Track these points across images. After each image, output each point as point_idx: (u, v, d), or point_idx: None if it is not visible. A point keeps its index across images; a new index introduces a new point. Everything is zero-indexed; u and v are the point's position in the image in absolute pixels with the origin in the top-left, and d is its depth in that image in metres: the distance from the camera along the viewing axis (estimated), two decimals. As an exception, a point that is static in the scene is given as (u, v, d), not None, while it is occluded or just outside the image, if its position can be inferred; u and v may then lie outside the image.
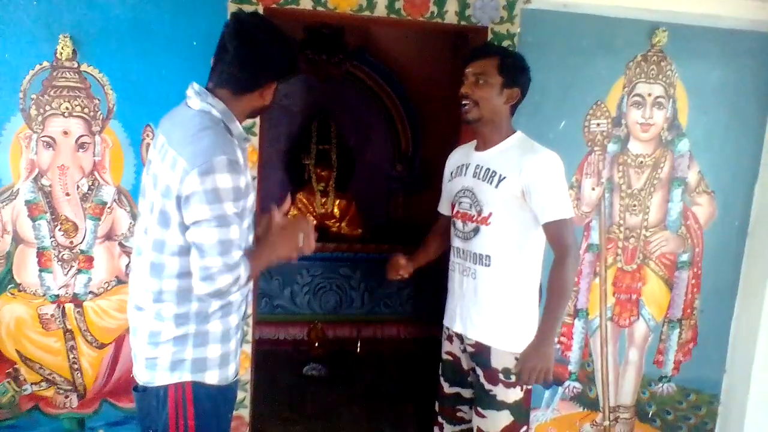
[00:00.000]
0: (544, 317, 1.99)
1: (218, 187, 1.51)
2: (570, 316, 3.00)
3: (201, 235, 1.53)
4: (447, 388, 2.26)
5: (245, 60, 1.63)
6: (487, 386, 2.07)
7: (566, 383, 3.06)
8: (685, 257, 3.07)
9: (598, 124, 2.88)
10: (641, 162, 2.95)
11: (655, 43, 2.84)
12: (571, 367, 3.05)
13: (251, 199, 1.68)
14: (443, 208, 2.30)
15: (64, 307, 2.63)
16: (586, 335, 3.04)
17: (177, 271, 1.61)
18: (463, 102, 2.04)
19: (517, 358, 2.03)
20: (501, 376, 2.05)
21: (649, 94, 2.90)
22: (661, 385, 3.15)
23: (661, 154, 2.96)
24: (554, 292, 1.97)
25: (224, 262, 1.53)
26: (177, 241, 1.59)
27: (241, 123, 1.71)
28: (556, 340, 2.79)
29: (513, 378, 2.04)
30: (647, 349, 3.11)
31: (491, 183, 2.03)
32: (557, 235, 1.97)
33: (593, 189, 2.92)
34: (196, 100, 1.64)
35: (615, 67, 2.85)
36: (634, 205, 2.98)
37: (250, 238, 1.75)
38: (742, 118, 3.00)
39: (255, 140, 2.63)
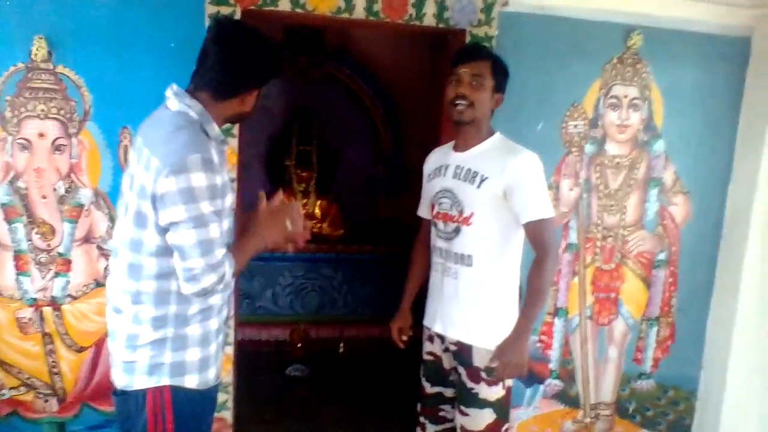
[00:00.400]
0: (521, 313, 2.03)
1: (193, 186, 1.50)
2: (550, 315, 3.02)
3: (180, 237, 1.52)
4: (429, 388, 2.27)
5: (227, 66, 1.63)
6: (470, 384, 2.08)
7: (547, 381, 3.08)
8: (662, 256, 3.11)
9: (576, 126, 2.91)
10: (618, 163, 2.99)
11: (630, 45, 2.88)
12: (552, 365, 3.08)
13: (229, 200, 1.67)
14: (423, 212, 2.31)
15: (42, 311, 2.61)
16: (566, 334, 3.07)
17: (155, 272, 1.60)
18: (458, 102, 2.02)
19: (499, 357, 2.06)
20: (483, 375, 2.06)
21: (625, 96, 2.94)
22: (640, 381, 3.19)
23: (637, 155, 3.00)
24: (533, 290, 2.00)
25: (207, 262, 1.53)
26: (154, 241, 1.58)
27: (219, 126, 1.69)
28: (533, 336, 2.84)
29: (494, 376, 2.06)
30: (626, 347, 3.16)
31: (473, 183, 2.04)
32: (537, 234, 1.99)
33: (571, 189, 2.95)
34: (174, 101, 1.64)
35: (591, 69, 2.89)
36: (612, 205, 3.02)
37: (232, 240, 1.74)
38: (716, 120, 3.06)
39: (234, 142, 2.62)
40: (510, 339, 2.01)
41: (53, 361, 2.65)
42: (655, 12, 2.84)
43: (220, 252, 1.56)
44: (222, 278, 1.56)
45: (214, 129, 1.65)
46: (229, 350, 2.71)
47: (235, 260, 1.63)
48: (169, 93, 1.66)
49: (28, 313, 2.60)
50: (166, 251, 1.58)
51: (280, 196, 1.80)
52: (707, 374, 3.23)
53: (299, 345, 4.15)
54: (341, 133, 4.75)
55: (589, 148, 2.94)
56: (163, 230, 1.56)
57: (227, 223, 1.67)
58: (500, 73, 2.08)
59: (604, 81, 2.91)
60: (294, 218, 1.73)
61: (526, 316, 2.01)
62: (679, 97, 3.00)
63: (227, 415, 2.81)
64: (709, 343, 3.22)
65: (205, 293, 1.57)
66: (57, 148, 2.53)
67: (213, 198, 1.54)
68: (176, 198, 1.50)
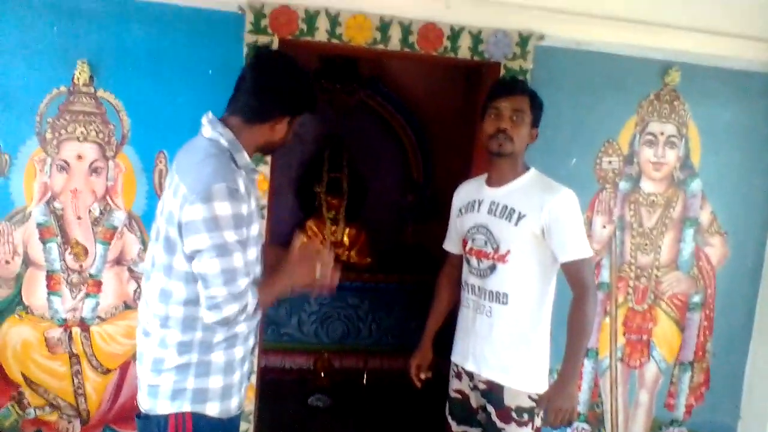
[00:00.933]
0: (566, 357, 1.97)
1: (217, 215, 1.51)
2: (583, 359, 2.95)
3: (204, 265, 1.53)
4: (455, 427, 2.22)
5: (259, 89, 1.65)
6: (500, 425, 2.03)
7: (575, 424, 3.01)
8: (696, 298, 3.03)
9: (610, 162, 2.87)
10: (653, 201, 2.94)
11: (667, 82, 2.85)
12: (581, 408, 3.00)
13: (256, 228, 1.68)
14: (450, 245, 2.28)
15: (71, 331, 2.63)
16: (596, 376, 2.99)
17: (184, 298, 1.61)
18: (499, 136, 2.01)
19: (530, 397, 2.01)
20: (514, 415, 2.01)
21: (662, 133, 2.90)
22: (672, 429, 3.09)
23: (673, 193, 2.95)
24: (576, 331, 1.95)
25: (229, 291, 1.53)
26: (183, 267, 1.59)
27: (250, 155, 1.71)
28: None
29: (526, 416, 2.01)
30: (658, 392, 3.06)
31: (510, 220, 2.01)
32: (577, 274, 1.96)
33: (604, 227, 2.90)
34: (208, 128, 1.67)
35: (627, 105, 2.86)
36: (646, 244, 2.95)
37: (258, 269, 1.74)
38: (755, 158, 3.00)
39: (266, 168, 2.64)
40: (559, 384, 1.97)
41: (79, 382, 2.66)
42: (693, 48, 2.81)
43: (244, 282, 1.56)
44: (244, 308, 1.56)
45: (244, 158, 1.66)
46: (252, 378, 2.69)
47: (261, 294, 1.63)
48: (204, 120, 1.69)
49: (57, 332, 2.62)
50: (194, 278, 1.59)
51: (303, 239, 1.84)
52: (745, 424, 3.12)
53: (323, 374, 4.11)
54: (372, 162, 4.76)
55: (623, 185, 2.90)
56: (190, 258, 1.57)
57: (254, 251, 1.68)
58: (537, 108, 2.07)
59: (641, 117, 2.87)
60: (324, 265, 1.72)
61: (571, 359, 1.96)
62: (717, 135, 2.95)
63: (248, 443, 2.78)
64: (747, 390, 3.11)
65: (227, 323, 1.57)
66: (94, 170, 2.57)
67: (238, 227, 1.55)
68: (200, 226, 1.51)
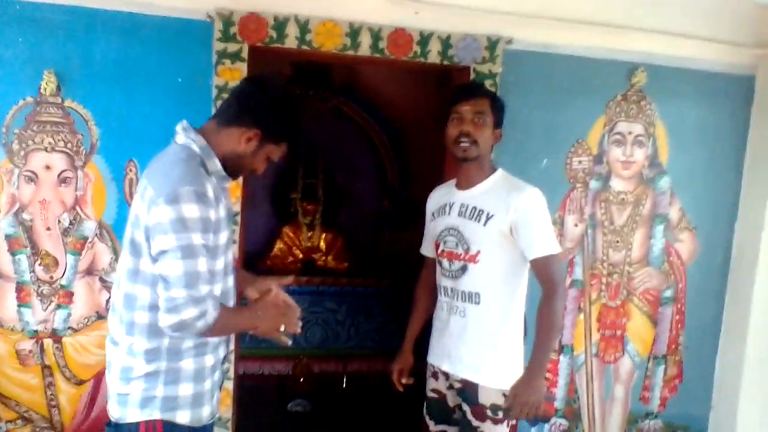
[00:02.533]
0: (534, 352, 1.99)
1: (184, 217, 1.49)
2: (555, 352, 2.98)
3: (167, 266, 1.51)
4: (432, 426, 2.23)
5: (242, 95, 1.68)
6: (474, 423, 2.05)
7: (552, 420, 3.03)
8: (668, 293, 3.08)
9: (580, 162, 2.91)
10: (623, 199, 2.98)
11: (634, 83, 2.90)
12: (557, 404, 3.03)
13: (225, 237, 1.66)
14: (426, 250, 2.30)
15: (42, 343, 2.59)
16: (572, 371, 3.02)
17: (148, 303, 1.58)
18: (462, 140, 2.03)
19: (504, 394, 2.02)
20: (488, 413, 2.03)
21: (630, 133, 2.95)
22: (647, 421, 3.13)
23: (642, 191, 3.00)
24: (544, 326, 1.97)
25: (189, 294, 1.50)
26: (148, 269, 1.57)
27: (223, 164, 1.69)
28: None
29: (500, 414, 2.03)
30: (633, 386, 3.11)
31: (479, 221, 2.03)
32: (545, 270, 1.98)
33: (576, 225, 2.94)
34: (182, 135, 1.66)
35: (595, 105, 2.91)
36: (617, 242, 3.00)
37: (230, 279, 1.73)
38: (721, 156, 3.06)
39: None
40: (525, 378, 1.99)
41: (52, 394, 2.63)
42: (659, 50, 2.87)
43: (205, 288, 1.53)
44: (203, 314, 1.51)
45: (215, 164, 1.65)
46: (229, 385, 2.68)
47: (224, 316, 1.60)
48: (178, 128, 1.68)
49: (28, 345, 2.58)
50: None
51: (287, 280, 1.87)
52: (717, 414, 3.18)
53: (302, 379, 4.09)
54: (347, 167, 4.77)
55: (593, 184, 2.94)
56: (155, 260, 1.55)
57: (222, 261, 1.65)
58: (499, 109, 2.09)
59: (609, 117, 2.92)
60: (291, 321, 1.75)
61: (539, 353, 1.98)
62: (684, 134, 3.00)
63: (226, 451, 2.76)
64: (718, 381, 3.17)
65: (182, 327, 1.52)
66: (63, 180, 2.54)
67: (205, 231, 1.53)
68: (167, 227, 1.50)
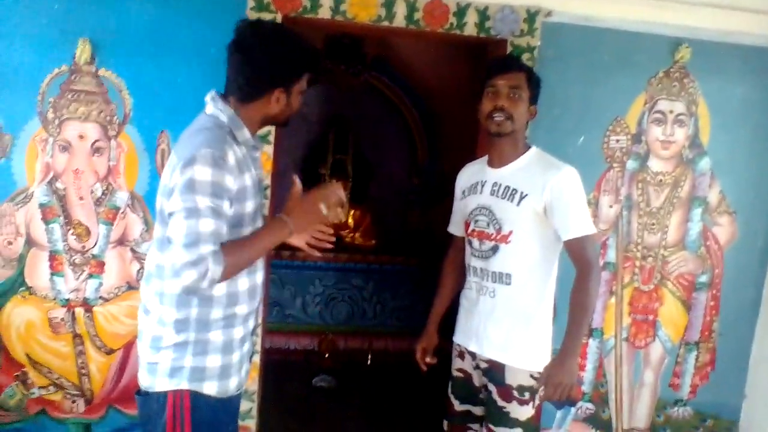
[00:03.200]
0: (568, 333, 1.95)
1: (194, 179, 1.48)
2: (585, 336, 2.94)
3: (171, 227, 1.50)
4: (457, 406, 2.21)
5: (242, 69, 1.63)
6: (501, 403, 2.03)
7: (579, 404, 3.00)
8: (704, 278, 3.00)
9: (618, 141, 2.83)
10: (661, 180, 2.90)
11: (677, 59, 2.80)
12: (585, 388, 2.99)
13: (250, 206, 1.64)
14: (455, 228, 2.26)
15: (74, 312, 2.63)
16: (601, 355, 2.98)
17: None
18: (496, 115, 1.98)
19: (532, 376, 2.00)
20: (515, 393, 2.01)
21: (671, 111, 2.85)
22: (676, 408, 3.07)
23: (681, 172, 2.91)
24: (578, 307, 1.93)
25: (189, 256, 1.45)
26: None
27: (255, 131, 1.69)
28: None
29: (527, 395, 2.00)
30: (663, 372, 3.05)
31: (512, 201, 1.99)
32: (580, 251, 1.94)
33: (611, 206, 2.87)
34: (210, 105, 1.66)
35: (636, 82, 2.81)
36: (653, 224, 2.92)
37: None
38: (765, 137, 2.95)
39: (270, 149, 2.62)
40: (559, 359, 1.95)
41: (82, 362, 2.67)
42: (704, 24, 2.76)
43: (207, 248, 1.46)
44: (204, 275, 1.46)
45: (245, 134, 1.64)
46: (256, 358, 2.69)
47: (242, 250, 1.56)
48: (207, 98, 1.68)
49: (60, 313, 2.62)
50: None
51: (298, 185, 1.72)
52: (750, 403, 3.10)
53: (327, 355, 4.12)
54: (377, 143, 4.73)
55: (631, 164, 2.86)
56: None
57: (250, 229, 1.64)
58: (535, 85, 2.04)
59: (649, 95, 2.83)
60: (331, 203, 1.65)
61: (573, 334, 1.94)
62: (727, 113, 2.90)
63: (251, 423, 2.79)
64: (752, 370, 3.09)
65: (189, 291, 1.50)
66: (96, 150, 2.55)
67: (215, 195, 1.49)
68: (178, 189, 1.49)
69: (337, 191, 1.68)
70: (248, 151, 1.66)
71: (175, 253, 1.47)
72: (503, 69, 2.02)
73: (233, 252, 1.53)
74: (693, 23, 2.75)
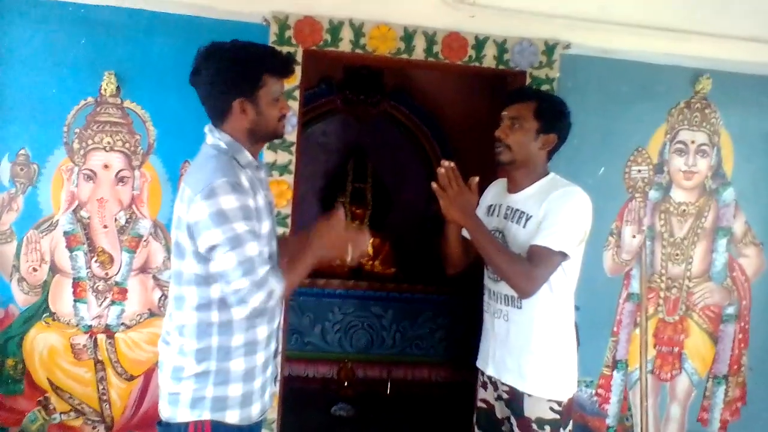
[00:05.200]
0: (483, 230, 1.91)
1: (224, 209, 1.50)
2: (608, 368, 2.90)
3: (220, 262, 1.52)
4: (481, 438, 2.18)
5: (200, 91, 1.66)
6: (521, 435, 1.99)
7: (603, 438, 2.93)
8: (730, 310, 2.94)
9: (639, 171, 2.81)
10: (684, 210, 2.87)
11: (698, 90, 2.79)
12: (609, 421, 2.93)
13: (267, 226, 1.66)
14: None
15: (96, 338, 2.66)
16: (626, 388, 2.92)
17: (196, 303, 1.61)
18: (496, 145, 2.02)
19: (552, 409, 1.95)
20: (534, 426, 1.96)
21: (693, 142, 2.83)
22: (705, 444, 2.99)
23: (704, 202, 2.88)
24: (503, 252, 1.89)
25: (252, 281, 1.51)
26: (192, 270, 1.59)
27: (254, 150, 1.70)
28: (588, 390, 2.80)
29: (547, 429, 1.95)
30: (690, 406, 2.98)
31: (519, 223, 1.98)
32: (533, 260, 1.87)
33: (634, 236, 2.84)
34: (209, 135, 1.69)
35: (656, 113, 2.81)
36: (677, 255, 2.88)
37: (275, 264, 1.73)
38: (791, 168, 2.90)
39: (290, 178, 2.64)
40: (474, 214, 1.94)
41: (103, 389, 2.68)
42: (725, 55, 2.76)
43: (263, 269, 1.54)
44: (270, 295, 1.55)
45: (246, 156, 1.66)
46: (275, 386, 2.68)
47: (290, 273, 1.62)
48: (206, 129, 1.71)
49: (82, 339, 2.65)
50: (204, 280, 1.59)
51: (338, 214, 1.76)
52: (784, 440, 3.01)
53: (346, 384, 4.08)
54: (396, 172, 4.74)
55: (653, 194, 2.84)
56: (203, 258, 1.57)
57: (267, 250, 1.66)
58: (548, 114, 2.01)
59: (670, 125, 2.82)
60: (356, 249, 1.73)
61: (479, 228, 1.91)
62: (751, 143, 2.87)
63: (270, 453, 2.77)
64: (786, 407, 3.00)
65: (256, 314, 1.57)
66: (120, 179, 2.60)
67: (247, 218, 1.54)
68: (209, 222, 1.51)
69: (367, 241, 1.76)
70: (253, 173, 1.68)
71: (236, 283, 1.52)
72: (509, 101, 2.06)
73: (288, 272, 1.62)
74: (713, 54, 2.75)
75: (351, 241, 1.72)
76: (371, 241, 4.62)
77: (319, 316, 4.33)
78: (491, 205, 2.16)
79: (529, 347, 1.99)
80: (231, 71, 1.61)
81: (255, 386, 1.69)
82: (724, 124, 2.84)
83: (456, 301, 4.29)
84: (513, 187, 2.08)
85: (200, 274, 1.58)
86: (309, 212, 4.52)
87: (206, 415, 1.62)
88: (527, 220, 1.96)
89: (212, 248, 1.53)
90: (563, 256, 1.88)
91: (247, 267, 1.51)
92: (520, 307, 1.99)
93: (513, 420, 2.02)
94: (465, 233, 2.23)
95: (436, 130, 4.62)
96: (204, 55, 1.64)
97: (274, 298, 1.56)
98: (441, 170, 1.95)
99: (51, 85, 2.52)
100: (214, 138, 1.67)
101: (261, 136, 1.71)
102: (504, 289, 2.02)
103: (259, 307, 1.54)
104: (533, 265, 1.86)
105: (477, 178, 1.94)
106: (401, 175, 4.74)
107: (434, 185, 1.94)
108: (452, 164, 1.94)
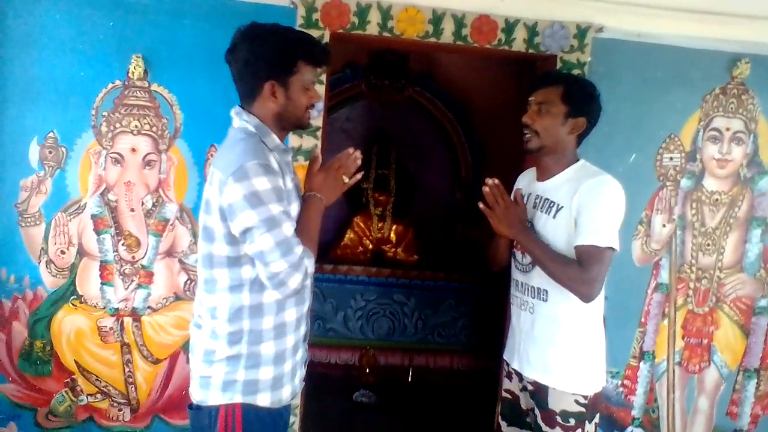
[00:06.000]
0: (541, 244, 1.91)
1: (258, 190, 1.51)
2: (635, 359, 2.85)
3: (257, 244, 1.52)
4: (505, 428, 2.16)
5: (234, 70, 1.66)
6: (544, 428, 1.96)
7: (629, 429, 2.90)
8: (763, 302, 2.88)
9: (671, 158, 2.75)
10: (717, 199, 2.80)
11: (735, 75, 2.71)
12: (635, 413, 2.90)
13: (295, 208, 1.66)
14: None
15: (122, 321, 2.68)
16: (652, 379, 2.88)
17: (228, 285, 1.61)
18: (524, 131, 1.98)
19: (578, 402, 1.93)
20: (559, 419, 1.94)
21: (727, 129, 2.76)
22: (735, 438, 2.94)
23: (739, 191, 2.81)
24: (559, 260, 1.86)
25: (289, 263, 1.52)
26: (223, 252, 1.59)
27: (280, 136, 1.70)
28: (614, 380, 2.79)
29: (572, 421, 1.93)
30: (719, 399, 2.92)
31: (549, 213, 1.95)
32: (585, 260, 1.83)
33: (664, 226, 2.78)
34: (236, 119, 1.69)
35: (691, 99, 2.74)
36: (708, 245, 2.82)
37: None
38: (830, 156, 2.82)
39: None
40: (525, 226, 1.95)
41: (129, 371, 2.71)
42: (765, 39, 2.66)
43: (299, 248, 1.55)
44: (306, 274, 1.56)
45: (274, 140, 1.67)
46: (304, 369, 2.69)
47: (307, 239, 1.61)
48: (232, 113, 1.70)
49: (109, 322, 2.67)
50: (235, 262, 1.59)
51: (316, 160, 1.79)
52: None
53: (368, 370, 4.09)
54: (420, 158, 4.72)
55: (685, 183, 2.78)
56: (234, 240, 1.57)
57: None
58: (576, 97, 1.96)
59: (705, 112, 2.75)
60: (350, 172, 1.73)
61: (540, 245, 1.90)
62: (790, 131, 2.79)
63: (293, 437, 2.78)
64: (821, 402, 2.94)
65: (295, 293, 1.58)
66: (147, 163, 2.61)
67: (280, 200, 1.55)
68: (244, 204, 1.51)
69: (354, 157, 1.74)
70: (280, 156, 1.67)
71: (275, 265, 1.52)
72: (535, 86, 2.02)
73: (307, 240, 1.60)
74: (753, 38, 2.66)
75: (339, 168, 1.72)
76: (394, 228, 4.61)
77: (341, 302, 4.33)
78: (523, 195, 2.12)
79: (554, 340, 1.97)
80: (267, 52, 1.61)
81: (285, 369, 1.70)
82: (762, 111, 2.75)
83: (479, 290, 4.26)
84: (542, 175, 2.05)
85: (231, 255, 1.59)
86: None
87: (237, 398, 1.63)
88: (557, 210, 1.93)
89: (247, 230, 1.53)
90: (612, 250, 1.85)
91: (285, 248, 1.52)
92: (546, 300, 1.96)
93: (537, 412, 2.00)
94: None
95: (461, 116, 4.58)
96: (243, 34, 1.64)
97: (309, 276, 1.58)
98: (486, 189, 1.95)
99: (79, 68, 2.52)
100: (241, 120, 1.67)
101: (287, 122, 1.70)
102: (533, 280, 1.99)
103: (297, 287, 1.55)
104: (586, 267, 1.83)
105: (518, 190, 1.98)
106: (425, 161, 4.71)
107: (481, 206, 1.94)
108: (497, 181, 1.95)
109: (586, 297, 1.86)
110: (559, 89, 1.96)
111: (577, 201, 1.87)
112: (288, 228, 1.54)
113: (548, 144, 1.96)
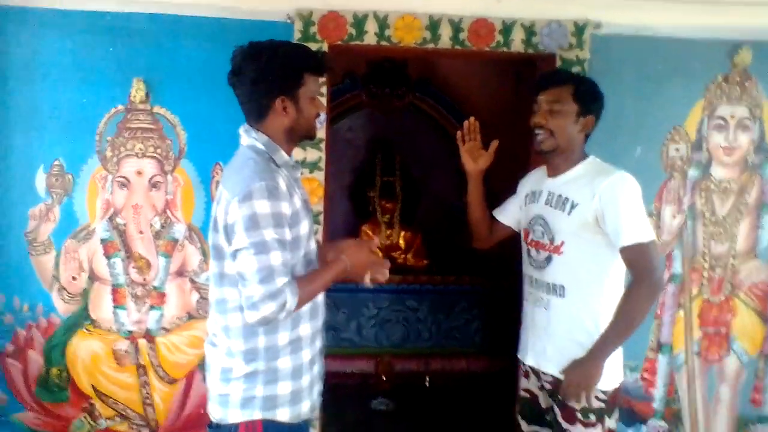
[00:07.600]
0: (602, 336, 1.89)
1: (256, 213, 1.51)
2: (653, 351, 2.84)
3: (241, 263, 1.53)
4: (525, 427, 2.16)
5: (242, 90, 1.65)
6: (565, 425, 1.95)
7: (651, 422, 2.88)
8: (780, 288, 2.86)
9: (677, 149, 2.74)
10: (726, 187, 2.79)
11: (737, 62, 2.70)
12: (656, 405, 2.88)
13: (305, 226, 1.66)
14: (503, 216, 2.27)
15: (137, 343, 2.68)
16: (671, 371, 2.85)
17: (239, 304, 1.60)
18: (537, 132, 1.98)
19: (598, 397, 1.92)
20: (579, 416, 1.93)
21: (732, 116, 2.75)
22: (760, 426, 2.91)
23: (747, 178, 2.80)
24: (620, 314, 1.87)
25: (266, 290, 1.50)
26: (232, 271, 1.59)
27: (289, 150, 1.70)
28: (634, 374, 2.78)
29: (592, 417, 1.92)
30: (741, 387, 2.90)
31: (563, 210, 1.95)
32: (635, 260, 1.85)
33: (674, 217, 2.77)
34: (245, 136, 1.69)
35: (693, 89, 2.73)
36: (720, 233, 2.81)
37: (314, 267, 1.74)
38: (838, 137, 2.80)
39: (320, 175, 2.63)
40: (582, 360, 1.90)
41: (147, 393, 2.71)
42: (766, 24, 2.65)
43: (281, 281, 1.52)
44: (282, 307, 1.52)
45: (283, 156, 1.67)
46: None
47: (307, 286, 1.61)
48: (241, 131, 1.71)
49: (124, 345, 2.68)
50: None
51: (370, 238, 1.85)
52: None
53: (384, 378, 4.08)
54: (424, 164, 4.71)
55: (692, 173, 2.77)
56: (233, 258, 1.57)
57: (304, 249, 1.66)
58: (586, 96, 1.98)
59: (708, 101, 2.74)
60: (378, 270, 1.74)
61: (606, 340, 1.88)
62: (796, 115, 2.77)
63: (314, 449, 2.77)
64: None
65: (265, 322, 1.55)
66: (153, 185, 2.62)
67: (277, 226, 1.53)
68: (240, 225, 1.52)
69: (386, 273, 1.76)
70: (289, 173, 1.68)
71: (251, 289, 1.51)
72: (544, 85, 2.02)
73: (303, 286, 1.59)
74: (753, 24, 2.65)
75: (373, 266, 1.72)
76: (402, 234, 4.61)
77: (354, 311, 4.32)
78: (529, 193, 2.13)
79: (571, 336, 1.96)
80: (274, 69, 1.61)
81: (303, 383, 1.70)
82: (766, 96, 2.74)
83: (491, 291, 4.25)
84: (552, 171, 2.06)
85: (235, 273, 1.58)
86: (339, 209, 4.52)
87: (257, 414, 1.63)
88: (572, 207, 1.93)
89: (237, 250, 1.53)
90: (654, 242, 1.88)
91: (265, 275, 1.50)
92: (563, 296, 1.96)
93: (557, 409, 1.99)
94: (495, 213, 2.23)
95: (462, 120, 4.55)
96: (244, 55, 1.64)
97: (286, 311, 1.54)
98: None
99: (81, 94, 2.54)
100: (250, 138, 1.67)
101: (298, 134, 1.71)
102: (547, 277, 1.99)
103: (269, 316, 1.52)
104: (642, 265, 1.85)
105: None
106: (429, 166, 4.71)
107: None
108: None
109: (659, 288, 2.01)
110: (569, 88, 1.97)
111: (599, 202, 1.87)
112: (276, 257, 1.52)
113: (562, 143, 1.97)
